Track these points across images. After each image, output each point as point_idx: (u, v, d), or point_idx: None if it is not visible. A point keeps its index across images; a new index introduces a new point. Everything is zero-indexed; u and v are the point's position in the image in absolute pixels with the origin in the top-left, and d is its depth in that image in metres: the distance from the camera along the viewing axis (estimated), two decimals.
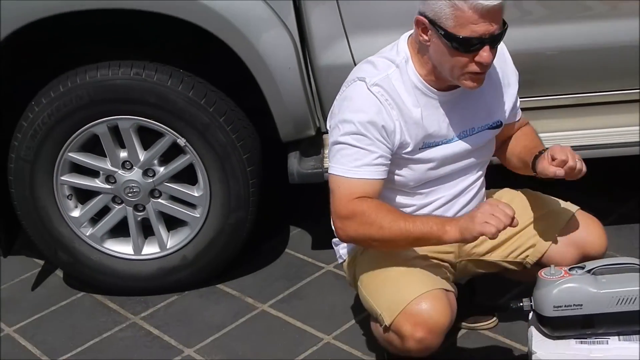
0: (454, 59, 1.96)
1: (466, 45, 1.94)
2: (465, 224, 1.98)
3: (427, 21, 1.97)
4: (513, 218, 1.95)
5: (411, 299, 2.01)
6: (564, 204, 2.32)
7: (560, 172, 2.05)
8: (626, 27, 2.59)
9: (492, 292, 2.62)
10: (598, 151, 2.72)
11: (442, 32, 1.94)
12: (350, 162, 2.05)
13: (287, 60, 2.57)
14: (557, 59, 2.68)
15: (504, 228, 1.95)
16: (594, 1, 2.61)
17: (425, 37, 2.00)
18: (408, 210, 2.17)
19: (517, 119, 2.32)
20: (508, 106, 2.23)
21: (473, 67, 1.97)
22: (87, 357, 2.62)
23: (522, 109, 2.59)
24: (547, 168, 2.07)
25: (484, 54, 1.94)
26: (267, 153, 2.86)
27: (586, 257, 2.22)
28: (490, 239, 1.98)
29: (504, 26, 1.97)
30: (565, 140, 2.71)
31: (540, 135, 2.70)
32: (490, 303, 2.52)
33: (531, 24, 2.61)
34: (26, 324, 2.82)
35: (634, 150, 2.72)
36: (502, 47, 2.20)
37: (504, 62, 2.22)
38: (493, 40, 1.95)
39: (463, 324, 2.53)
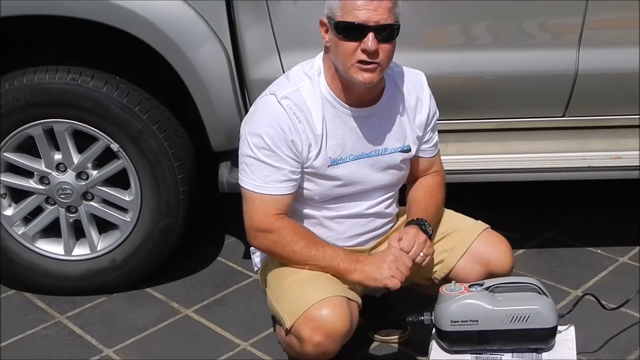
0: (343, 47, 2.05)
1: (350, 31, 2.03)
2: (371, 274, 2.12)
3: (325, 20, 2.08)
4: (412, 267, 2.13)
5: (312, 303, 2.08)
6: (474, 223, 2.41)
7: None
8: (563, 57, 2.69)
9: (410, 306, 2.69)
10: (522, 175, 2.82)
11: (333, 23, 2.05)
12: (260, 178, 2.14)
13: (220, 73, 2.64)
14: (496, 84, 2.77)
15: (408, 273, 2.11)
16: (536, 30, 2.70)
17: (327, 38, 2.11)
18: (312, 221, 2.26)
19: (428, 156, 2.39)
20: (418, 133, 2.31)
21: (360, 55, 2.04)
22: (6, 354, 2.65)
23: (457, 131, 2.70)
24: (392, 240, 2.20)
25: (368, 41, 2.02)
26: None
27: (491, 275, 2.30)
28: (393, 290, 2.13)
29: (397, 23, 2.06)
30: (491, 162, 2.82)
31: (468, 157, 2.82)
32: (393, 317, 2.58)
33: (477, 49, 2.71)
34: None
35: (559, 175, 2.82)
36: (421, 77, 2.31)
37: (421, 91, 2.31)
38: (378, 30, 2.02)
39: (376, 336, 2.60)
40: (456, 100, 2.78)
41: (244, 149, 2.19)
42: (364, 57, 2.04)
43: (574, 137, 2.82)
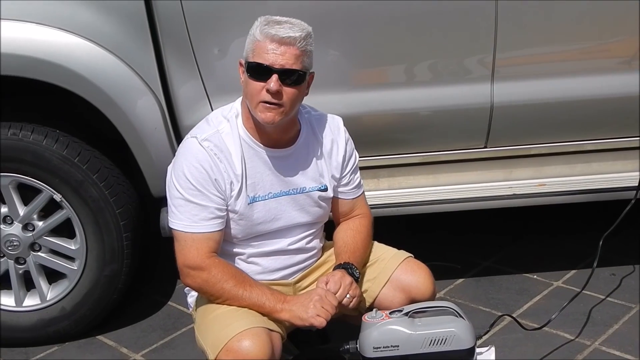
0: (251, 86, 2.18)
1: (256, 71, 2.16)
2: (298, 313, 2.21)
3: (242, 60, 2.22)
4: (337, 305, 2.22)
5: (232, 335, 2.15)
6: (396, 252, 2.50)
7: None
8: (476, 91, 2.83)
9: (347, 336, 2.76)
10: (452, 205, 2.93)
11: (245, 63, 2.19)
12: (189, 218, 2.24)
13: (153, 122, 2.76)
14: (423, 119, 2.90)
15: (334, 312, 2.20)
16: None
17: (242, 78, 2.23)
18: (239, 258, 2.35)
19: (349, 198, 2.49)
20: (334, 174, 2.41)
21: (264, 95, 2.17)
22: None
23: (389, 166, 2.80)
24: (319, 282, 2.29)
25: (271, 82, 2.14)
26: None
27: (414, 301, 2.38)
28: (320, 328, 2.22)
29: (304, 70, 2.18)
30: (422, 195, 2.94)
31: (401, 190, 2.93)
32: (323, 347, 2.66)
33: (403, 87, 2.84)
34: None
35: (487, 204, 2.93)
36: (338, 121, 2.43)
37: (337, 134, 2.42)
38: (283, 74, 2.15)
39: None
40: (386, 136, 2.92)
41: (171, 191, 2.29)
42: (267, 97, 2.16)
43: (498, 167, 2.95)
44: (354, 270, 2.34)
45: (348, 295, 2.27)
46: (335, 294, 2.25)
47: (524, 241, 3.45)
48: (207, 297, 2.32)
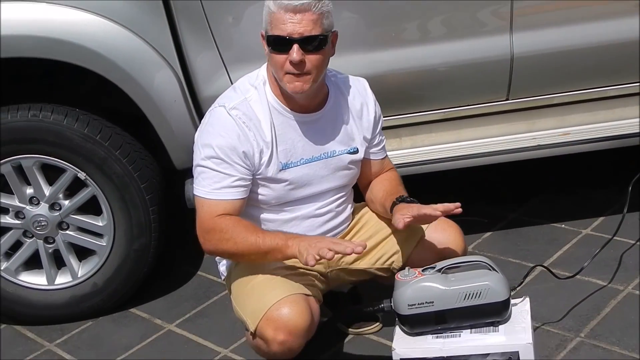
0: (274, 59, 2.17)
1: (276, 44, 2.14)
2: (304, 247, 2.14)
3: (263, 32, 2.19)
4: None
5: (271, 304, 2.18)
6: None
7: (408, 219, 2.21)
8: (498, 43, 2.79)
9: (379, 297, 2.78)
10: (477, 160, 2.92)
11: (265, 37, 2.17)
12: (211, 185, 2.24)
13: (173, 95, 2.76)
14: (442, 75, 2.87)
15: (331, 257, 2.12)
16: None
17: (266, 49, 2.21)
18: (272, 225, 2.35)
19: (379, 158, 2.50)
20: (366, 135, 2.41)
21: (288, 67, 2.15)
22: None
23: (410, 125, 2.78)
24: (398, 220, 2.23)
25: (293, 53, 2.12)
26: None
27: (446, 258, 2.38)
28: (311, 266, 2.15)
29: (325, 33, 2.16)
30: (445, 151, 2.93)
31: (423, 148, 2.93)
32: (357, 308, 2.68)
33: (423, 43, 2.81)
34: None
35: (511, 157, 2.92)
36: (364, 83, 2.43)
37: (365, 96, 2.42)
38: (304, 42, 2.13)
39: (350, 330, 2.69)
40: (407, 94, 2.90)
41: (196, 159, 2.30)
42: (291, 68, 2.15)
43: (521, 118, 2.92)
44: (411, 199, 2.33)
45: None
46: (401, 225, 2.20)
47: (550, 193, 3.43)
48: (229, 256, 2.34)
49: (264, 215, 2.37)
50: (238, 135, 2.23)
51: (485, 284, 2.20)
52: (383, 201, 2.42)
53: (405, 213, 2.23)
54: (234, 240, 2.22)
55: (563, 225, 3.16)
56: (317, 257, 2.08)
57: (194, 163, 2.30)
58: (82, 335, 2.98)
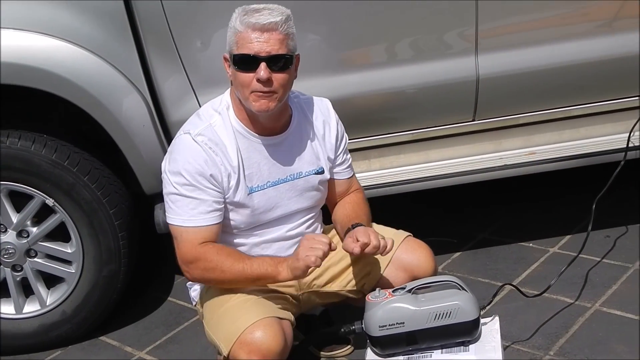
0: (240, 78, 2.18)
1: (243, 62, 2.16)
2: (293, 264, 2.19)
3: (227, 55, 2.21)
4: (330, 243, 2.16)
5: (244, 327, 2.16)
6: (395, 232, 2.51)
7: (357, 249, 2.21)
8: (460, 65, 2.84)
9: (350, 320, 2.78)
10: (445, 180, 2.94)
11: (231, 57, 2.19)
12: (187, 212, 2.24)
13: (141, 120, 2.75)
14: (411, 97, 2.91)
15: (325, 254, 2.15)
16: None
17: (229, 72, 2.22)
18: (243, 249, 2.35)
19: (345, 177, 2.51)
20: (329, 155, 2.43)
21: (255, 85, 2.17)
22: None
23: (379, 147, 2.79)
24: (348, 245, 2.25)
25: (260, 71, 2.14)
26: None
27: (416, 279, 2.40)
28: (317, 266, 2.17)
29: (290, 54, 2.18)
30: (414, 172, 2.95)
31: (392, 170, 2.94)
32: (329, 330, 2.67)
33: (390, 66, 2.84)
34: None
35: (478, 177, 2.95)
36: (327, 103, 2.45)
37: (327, 116, 2.44)
38: (271, 61, 2.15)
39: (322, 353, 2.69)
40: (375, 116, 2.93)
41: (167, 188, 2.29)
42: (259, 86, 2.16)
43: (488, 139, 2.96)
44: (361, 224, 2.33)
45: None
46: (351, 250, 2.22)
47: (518, 211, 3.47)
48: (214, 284, 2.32)
49: (234, 240, 2.36)
50: (205, 160, 2.23)
51: (455, 304, 2.22)
52: (342, 225, 2.44)
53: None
54: (220, 269, 2.22)
55: (531, 244, 3.20)
56: (318, 254, 2.13)
57: (165, 192, 2.29)
58: None
